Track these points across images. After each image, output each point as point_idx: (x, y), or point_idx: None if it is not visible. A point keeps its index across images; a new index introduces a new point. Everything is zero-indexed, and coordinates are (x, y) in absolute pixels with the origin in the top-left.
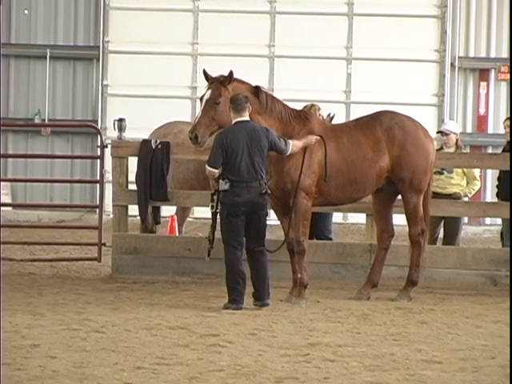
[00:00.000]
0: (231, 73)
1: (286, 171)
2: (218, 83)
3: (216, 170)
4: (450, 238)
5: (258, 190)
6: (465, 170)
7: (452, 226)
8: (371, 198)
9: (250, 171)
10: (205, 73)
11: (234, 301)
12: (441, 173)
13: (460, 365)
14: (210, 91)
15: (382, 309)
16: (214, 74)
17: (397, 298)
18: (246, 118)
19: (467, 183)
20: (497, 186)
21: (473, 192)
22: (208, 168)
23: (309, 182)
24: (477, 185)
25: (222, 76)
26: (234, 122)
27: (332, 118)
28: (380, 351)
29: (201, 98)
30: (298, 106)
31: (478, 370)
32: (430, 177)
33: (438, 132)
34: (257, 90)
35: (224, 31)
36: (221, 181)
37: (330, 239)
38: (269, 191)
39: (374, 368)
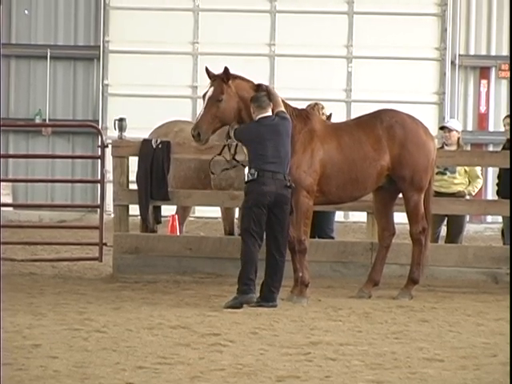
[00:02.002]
0: (226, 69)
1: (288, 170)
2: (221, 80)
3: (235, 141)
4: (454, 236)
5: (283, 183)
6: (467, 168)
7: (456, 225)
8: (372, 197)
9: (276, 163)
10: (207, 70)
11: (249, 290)
12: (443, 173)
13: (461, 363)
14: (212, 88)
15: (384, 307)
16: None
17: (398, 297)
18: (269, 113)
19: (469, 182)
20: (497, 184)
21: (476, 190)
22: (233, 135)
23: (310, 181)
24: (479, 183)
25: (225, 73)
26: (257, 118)
27: (329, 116)
28: (381, 350)
29: (203, 96)
30: (299, 105)
31: (479, 367)
32: (431, 175)
33: (440, 128)
34: (259, 88)
35: (224, 30)
36: (247, 172)
37: (332, 238)
38: (293, 185)
39: (375, 366)
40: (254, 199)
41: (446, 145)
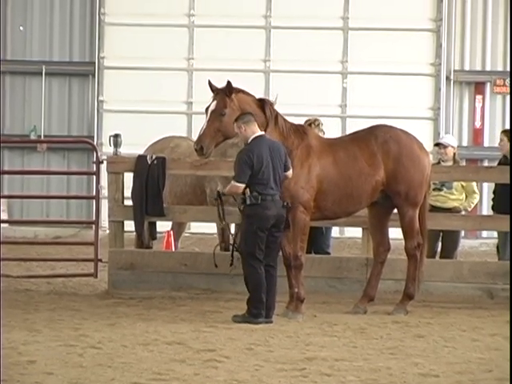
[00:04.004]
0: (229, 83)
1: (286, 186)
2: (223, 94)
3: (243, 185)
4: (449, 252)
5: (280, 204)
6: (463, 184)
7: (451, 240)
8: (367, 212)
9: (275, 184)
10: (210, 84)
11: (260, 314)
12: (440, 189)
13: (457, 378)
14: (215, 102)
15: (379, 323)
16: (209, 89)
17: (393, 312)
18: (261, 131)
19: (466, 197)
20: (492, 200)
21: (472, 205)
22: (236, 184)
23: (307, 197)
24: (476, 198)
25: (228, 87)
26: (253, 137)
27: (318, 125)
28: (377, 365)
29: (206, 109)
30: (294, 121)
31: (474, 383)
32: (426, 190)
33: (435, 144)
34: (262, 103)
35: (219, 46)
36: (248, 195)
37: (329, 253)
38: (289, 204)
39: (370, 382)
40: (258, 223)
41: (443, 161)
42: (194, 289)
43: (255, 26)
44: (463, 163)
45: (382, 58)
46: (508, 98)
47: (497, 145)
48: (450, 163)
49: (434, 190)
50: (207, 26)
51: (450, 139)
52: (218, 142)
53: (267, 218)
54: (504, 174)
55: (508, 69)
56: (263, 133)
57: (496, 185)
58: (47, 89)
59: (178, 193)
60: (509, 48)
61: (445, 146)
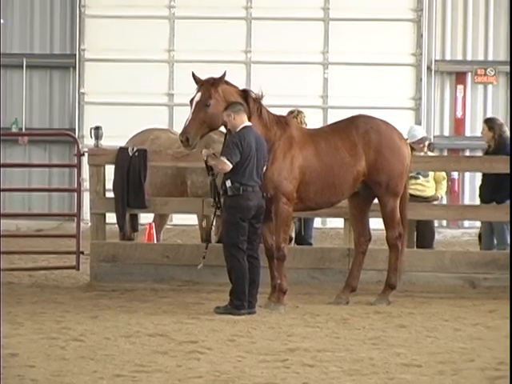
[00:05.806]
0: (223, 74)
1: (269, 177)
2: (208, 85)
3: (230, 166)
4: (428, 241)
5: (260, 194)
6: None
7: (428, 230)
8: (348, 203)
9: (256, 176)
10: (194, 76)
11: (242, 306)
12: (416, 177)
13: (439, 368)
14: (199, 93)
15: (361, 313)
16: (190, 80)
17: (375, 302)
18: (250, 123)
19: (436, 183)
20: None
21: (443, 192)
22: (225, 160)
23: (290, 188)
24: (445, 184)
25: (212, 78)
26: (241, 126)
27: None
28: (359, 355)
29: (191, 101)
30: (276, 112)
31: (456, 372)
32: (406, 180)
33: (420, 138)
34: (245, 94)
35: (200, 38)
36: (229, 186)
37: (311, 244)
38: (269, 194)
39: (353, 372)
40: (240, 214)
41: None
42: (176, 281)
43: (236, 17)
44: (437, 153)
45: (362, 48)
46: (489, 87)
47: (478, 134)
48: (422, 154)
49: (410, 178)
50: (188, 17)
51: (423, 131)
52: (204, 133)
53: (249, 209)
54: (484, 164)
55: (489, 58)
56: (251, 124)
57: (483, 174)
58: (28, 81)
59: (158, 184)
60: (490, 38)
61: (424, 140)
